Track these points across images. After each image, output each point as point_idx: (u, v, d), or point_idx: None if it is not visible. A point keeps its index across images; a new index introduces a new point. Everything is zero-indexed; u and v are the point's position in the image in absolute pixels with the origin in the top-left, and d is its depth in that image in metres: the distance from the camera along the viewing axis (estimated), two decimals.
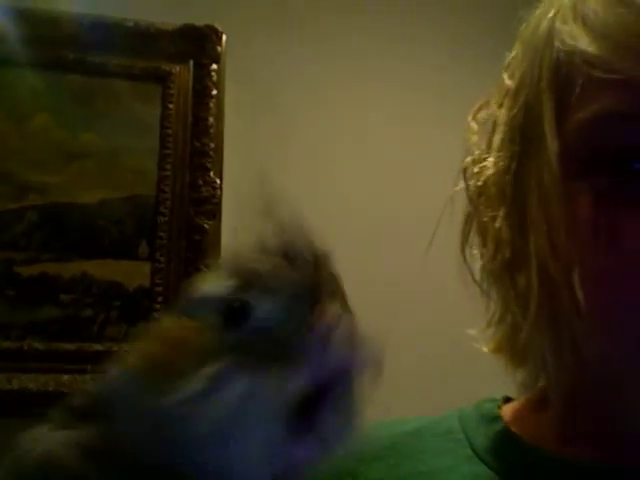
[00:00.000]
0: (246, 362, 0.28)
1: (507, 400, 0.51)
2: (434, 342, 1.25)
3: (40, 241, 1.19)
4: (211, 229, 1.22)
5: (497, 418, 0.48)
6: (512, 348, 0.47)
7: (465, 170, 0.49)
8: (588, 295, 0.39)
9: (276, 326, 0.29)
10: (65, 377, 1.13)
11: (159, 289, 1.19)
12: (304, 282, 0.30)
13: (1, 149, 1.20)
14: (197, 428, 0.27)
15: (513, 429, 0.47)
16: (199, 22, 1.29)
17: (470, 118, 0.50)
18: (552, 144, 0.41)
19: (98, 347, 1.14)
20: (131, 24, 1.27)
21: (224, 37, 1.30)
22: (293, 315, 0.29)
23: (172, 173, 1.24)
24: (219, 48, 1.29)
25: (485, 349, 0.49)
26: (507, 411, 0.49)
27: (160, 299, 1.18)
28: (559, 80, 0.42)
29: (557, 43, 0.41)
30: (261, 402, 0.27)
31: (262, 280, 0.29)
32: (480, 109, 0.50)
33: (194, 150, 1.25)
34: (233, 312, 0.29)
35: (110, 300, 1.18)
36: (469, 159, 0.48)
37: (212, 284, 0.31)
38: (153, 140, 1.25)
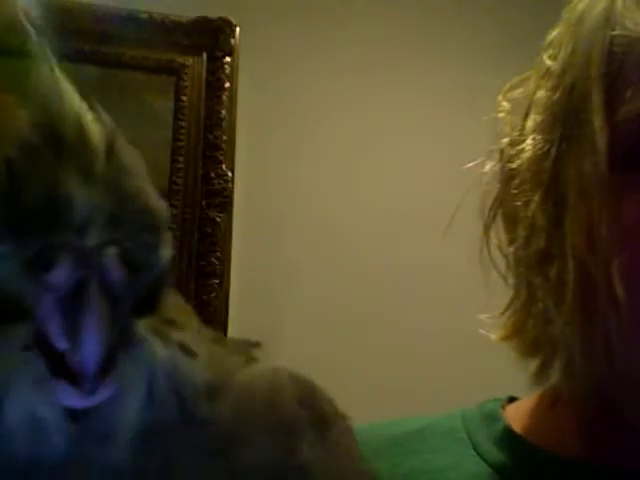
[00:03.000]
0: None
1: (511, 400, 0.51)
2: (436, 337, 1.25)
3: None
4: (222, 222, 1.22)
5: (499, 418, 0.48)
6: (524, 337, 0.45)
7: (502, 151, 0.46)
8: (627, 291, 0.37)
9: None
10: None
11: None
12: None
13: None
14: None
15: (515, 429, 0.47)
16: (213, 15, 1.29)
17: (501, 97, 0.48)
18: (600, 133, 0.39)
19: None
20: (145, 16, 1.27)
21: (238, 30, 1.30)
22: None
23: (184, 165, 1.24)
24: (233, 41, 1.29)
25: (493, 336, 0.47)
26: (510, 411, 0.49)
27: None
28: (612, 66, 0.39)
29: (617, 28, 0.39)
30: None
31: None
32: (512, 88, 0.48)
33: (207, 143, 1.25)
34: None
35: None
36: (506, 140, 0.46)
37: None
38: (166, 132, 1.25)
